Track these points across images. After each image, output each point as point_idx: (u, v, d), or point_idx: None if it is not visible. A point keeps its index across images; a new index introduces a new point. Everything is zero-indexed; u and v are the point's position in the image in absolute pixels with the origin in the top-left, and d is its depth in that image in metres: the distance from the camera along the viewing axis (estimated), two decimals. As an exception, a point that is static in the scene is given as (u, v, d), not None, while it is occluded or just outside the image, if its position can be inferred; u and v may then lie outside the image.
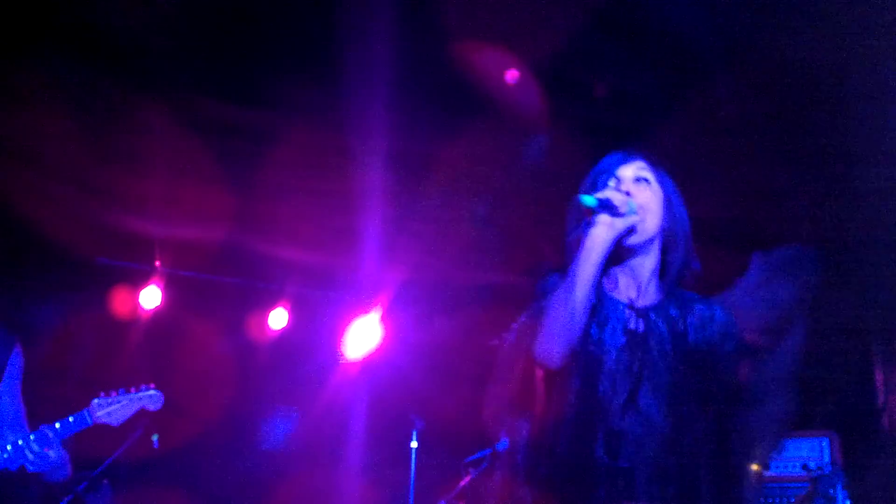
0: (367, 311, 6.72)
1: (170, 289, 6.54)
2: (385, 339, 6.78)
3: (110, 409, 3.93)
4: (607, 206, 2.28)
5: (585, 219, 2.30)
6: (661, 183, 2.45)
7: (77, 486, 5.12)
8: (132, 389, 4.03)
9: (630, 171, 2.43)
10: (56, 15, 3.96)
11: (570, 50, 3.87)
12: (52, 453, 3.65)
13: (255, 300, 6.99)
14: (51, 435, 3.66)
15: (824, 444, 6.85)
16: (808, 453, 6.83)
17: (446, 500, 5.41)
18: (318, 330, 7.06)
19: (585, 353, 2.32)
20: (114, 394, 3.96)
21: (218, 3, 3.90)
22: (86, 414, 3.86)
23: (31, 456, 3.61)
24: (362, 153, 5.02)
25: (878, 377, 7.35)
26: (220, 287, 6.88)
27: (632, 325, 2.37)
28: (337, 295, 7.00)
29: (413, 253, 6.13)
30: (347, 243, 5.93)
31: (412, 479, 5.83)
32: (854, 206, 5.01)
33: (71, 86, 4.50)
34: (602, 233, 2.29)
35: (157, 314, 6.54)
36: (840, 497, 6.51)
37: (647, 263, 2.43)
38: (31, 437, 3.64)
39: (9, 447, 3.62)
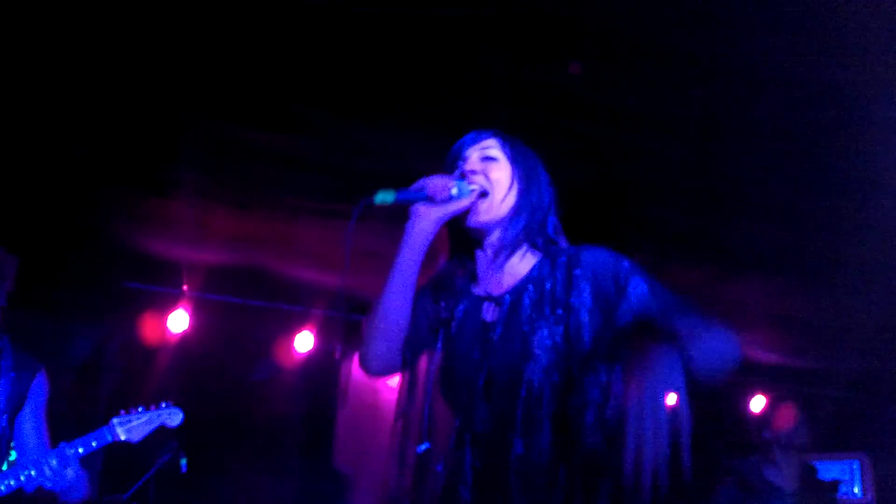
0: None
1: (197, 313, 6.57)
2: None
3: (130, 426, 3.95)
4: (420, 197, 2.21)
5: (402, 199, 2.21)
6: (513, 159, 2.37)
7: (106, 510, 5.14)
8: (152, 407, 4.06)
9: (476, 151, 2.38)
10: (85, 37, 4.00)
11: (594, 71, 3.89)
12: (69, 472, 3.66)
13: (282, 323, 7.01)
14: (70, 452, 3.68)
15: (855, 466, 6.80)
16: (838, 475, 6.77)
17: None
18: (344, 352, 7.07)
19: (449, 373, 2.20)
20: (133, 411, 4.00)
21: (245, 31, 3.93)
22: (105, 431, 3.88)
23: (48, 473, 3.62)
24: (388, 177, 5.03)
25: (910, 399, 7.31)
26: (247, 310, 6.91)
27: (488, 317, 2.25)
28: (363, 318, 7.01)
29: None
30: (373, 266, 5.94)
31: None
32: (882, 228, 4.99)
33: (103, 111, 4.55)
34: (419, 225, 2.23)
35: (185, 338, 6.57)
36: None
37: (504, 238, 2.32)
38: (52, 455, 3.65)
39: (32, 472, 3.62)
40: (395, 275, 2.23)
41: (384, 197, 2.20)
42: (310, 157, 4.92)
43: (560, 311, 2.17)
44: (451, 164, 2.40)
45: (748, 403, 8.03)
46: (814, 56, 3.72)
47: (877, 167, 4.40)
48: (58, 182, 5.22)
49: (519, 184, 2.35)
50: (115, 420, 3.93)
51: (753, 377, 7.93)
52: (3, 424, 3.70)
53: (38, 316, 5.98)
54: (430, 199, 2.22)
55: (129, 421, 3.96)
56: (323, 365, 7.08)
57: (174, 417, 4.13)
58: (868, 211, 4.88)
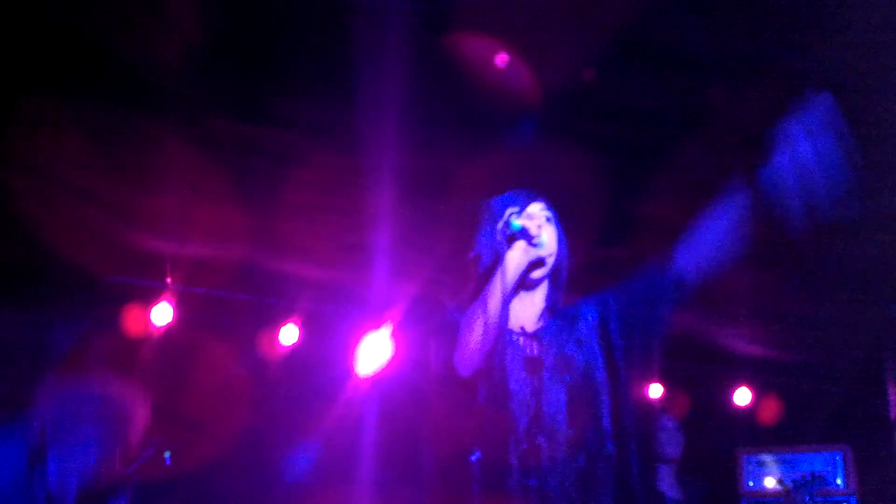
0: (377, 327, 6.72)
1: (181, 306, 6.54)
2: (396, 354, 6.78)
3: None
4: (525, 235, 2.57)
5: (504, 242, 2.59)
6: (558, 225, 2.73)
7: (89, 504, 5.10)
8: None
9: (538, 208, 2.70)
10: (71, 36, 3.97)
11: (588, 69, 3.89)
12: None
13: (266, 316, 6.99)
14: None
15: (838, 458, 6.83)
16: (821, 467, 6.81)
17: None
18: (328, 346, 7.06)
19: (491, 382, 2.57)
20: None
21: (232, 23, 3.91)
22: None
23: None
24: (374, 170, 5.04)
25: (891, 391, 7.35)
26: (231, 303, 6.88)
27: (528, 352, 2.65)
28: (348, 311, 7.00)
29: (424, 269, 6.14)
30: (358, 259, 5.94)
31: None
32: (869, 221, 5.01)
33: (86, 104, 4.52)
34: (518, 257, 2.57)
35: (169, 331, 6.54)
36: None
37: (540, 296, 2.74)
38: None
39: None
40: (494, 295, 2.53)
41: (515, 226, 2.58)
42: (296, 151, 4.90)
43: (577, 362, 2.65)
44: (502, 213, 2.68)
45: (732, 396, 8.07)
46: (813, 50, 3.73)
47: (873, 161, 4.41)
48: (41, 175, 5.18)
49: (559, 250, 2.72)
50: None
51: (738, 370, 7.96)
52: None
53: (22, 309, 5.95)
54: (530, 240, 2.58)
55: None
56: (307, 358, 7.07)
57: None
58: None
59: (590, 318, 2.72)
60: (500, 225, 2.64)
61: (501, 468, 2.49)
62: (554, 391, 2.57)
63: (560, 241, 2.73)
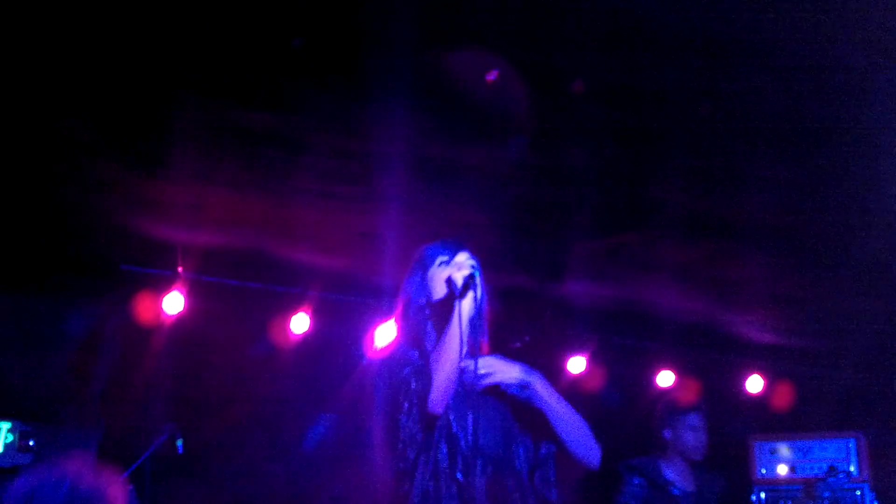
0: (388, 316, 6.72)
1: (192, 294, 6.55)
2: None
3: None
4: (473, 284, 2.86)
5: (456, 292, 2.87)
6: (479, 271, 2.96)
7: (103, 492, 5.11)
8: None
9: (464, 257, 3.01)
10: (80, 17, 3.97)
11: (596, 51, 3.87)
12: None
13: (277, 305, 6.99)
14: None
15: (850, 444, 6.81)
16: (834, 454, 6.79)
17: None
18: (339, 334, 7.07)
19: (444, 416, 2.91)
20: None
21: (242, 10, 3.91)
22: None
23: None
24: (384, 158, 5.03)
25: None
26: (242, 292, 6.89)
27: (464, 379, 2.93)
28: (359, 299, 7.00)
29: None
30: (370, 247, 5.94)
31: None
32: (886, 209, 5.00)
33: (97, 91, 4.52)
34: (467, 305, 2.88)
35: (180, 319, 6.55)
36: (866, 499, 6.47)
37: (474, 333, 2.94)
38: None
39: None
40: (457, 342, 2.84)
41: (475, 279, 2.88)
42: (306, 138, 4.90)
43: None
44: (434, 259, 3.04)
45: (744, 384, 8.05)
46: (825, 37, 3.71)
47: (885, 150, 4.39)
48: (54, 164, 5.19)
49: (482, 294, 2.95)
50: None
51: (750, 357, 7.95)
52: None
53: (35, 297, 5.97)
54: (474, 289, 2.87)
55: None
56: (319, 347, 7.07)
57: None
58: (872, 194, 4.88)
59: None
60: (433, 272, 3.02)
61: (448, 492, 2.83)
62: (488, 417, 2.98)
63: (482, 287, 2.96)
